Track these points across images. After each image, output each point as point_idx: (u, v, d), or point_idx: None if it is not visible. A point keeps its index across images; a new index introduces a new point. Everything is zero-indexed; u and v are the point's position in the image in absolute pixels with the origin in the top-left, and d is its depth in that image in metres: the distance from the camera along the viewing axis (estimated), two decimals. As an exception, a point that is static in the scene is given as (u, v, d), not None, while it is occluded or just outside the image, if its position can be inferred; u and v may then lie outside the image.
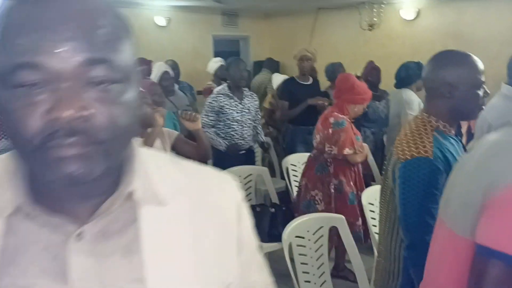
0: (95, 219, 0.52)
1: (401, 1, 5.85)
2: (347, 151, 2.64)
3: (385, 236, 1.59)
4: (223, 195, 0.64)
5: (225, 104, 3.28)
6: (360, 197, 2.58)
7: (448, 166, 1.34)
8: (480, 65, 1.39)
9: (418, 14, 5.77)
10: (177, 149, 2.25)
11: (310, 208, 2.78)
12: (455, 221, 0.95)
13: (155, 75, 3.89)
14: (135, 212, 0.55)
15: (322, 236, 2.19)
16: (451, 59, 1.42)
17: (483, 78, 1.39)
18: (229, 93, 3.32)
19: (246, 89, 3.47)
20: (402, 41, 5.86)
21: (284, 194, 3.59)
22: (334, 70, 4.17)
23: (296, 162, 3.43)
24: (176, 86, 4.27)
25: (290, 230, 2.02)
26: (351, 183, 2.70)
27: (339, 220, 2.20)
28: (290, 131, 3.96)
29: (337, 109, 2.72)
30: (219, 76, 4.99)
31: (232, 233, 0.62)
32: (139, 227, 0.54)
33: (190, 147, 2.24)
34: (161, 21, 6.44)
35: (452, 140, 1.44)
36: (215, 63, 5.13)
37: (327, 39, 6.85)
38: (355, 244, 2.18)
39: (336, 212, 2.62)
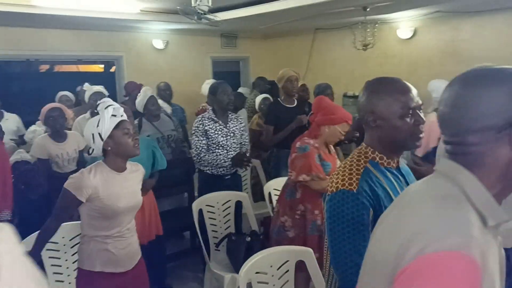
0: None
1: (397, 21, 5.76)
2: (303, 177, 2.47)
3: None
4: None
5: (209, 128, 3.22)
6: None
7: (378, 201, 1.24)
8: (409, 91, 1.28)
9: (415, 32, 5.67)
10: None
11: (280, 234, 2.62)
12: None
13: (141, 100, 3.85)
14: None
15: (287, 271, 2.07)
16: (375, 86, 1.32)
17: (413, 104, 1.27)
18: (214, 118, 3.25)
19: (231, 112, 3.40)
20: (399, 60, 5.75)
21: (268, 219, 3.47)
22: (320, 92, 4.07)
23: (279, 186, 3.31)
24: (163, 111, 4.23)
25: (249, 267, 1.91)
26: (317, 212, 2.51)
27: (306, 253, 2.08)
28: (274, 155, 3.86)
29: (309, 132, 2.60)
30: (212, 98, 4.95)
31: None
32: None
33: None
34: (159, 44, 6.47)
35: (389, 173, 1.32)
36: (208, 84, 5.10)
37: (325, 58, 6.79)
38: (324, 279, 2.05)
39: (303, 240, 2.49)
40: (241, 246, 2.77)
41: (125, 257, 1.99)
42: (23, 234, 2.00)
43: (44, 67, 8.74)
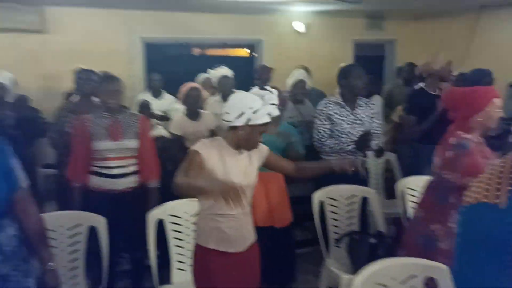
0: None
1: None
2: (468, 180, 2.02)
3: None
4: None
5: (334, 113, 2.99)
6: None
7: None
8: None
9: None
10: (271, 166, 2.12)
11: (428, 244, 2.21)
12: None
13: (290, 81, 3.81)
14: None
15: None
16: None
17: None
18: (341, 102, 3.02)
19: (361, 97, 3.11)
20: None
21: (399, 221, 3.09)
22: (478, 80, 3.41)
23: (415, 185, 2.90)
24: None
25: (368, 276, 1.65)
26: None
27: (439, 270, 1.73)
28: (414, 149, 3.41)
29: (459, 127, 2.16)
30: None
31: None
32: None
33: (286, 163, 2.15)
34: (300, 26, 6.36)
35: None
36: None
37: (490, 42, 5.79)
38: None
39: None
40: (363, 247, 2.51)
41: (238, 238, 1.95)
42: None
43: (197, 51, 9.48)
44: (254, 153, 2.02)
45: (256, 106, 1.84)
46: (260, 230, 2.15)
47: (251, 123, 1.83)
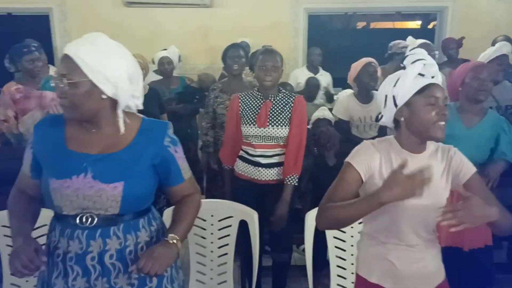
0: None
1: None
2: None
3: None
4: None
5: None
6: None
7: None
8: None
9: None
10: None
11: None
12: None
13: (487, 56, 2.93)
14: None
15: None
16: None
17: None
18: None
19: None
20: None
21: None
22: None
23: None
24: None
25: None
26: None
27: None
28: None
29: None
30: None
31: None
32: None
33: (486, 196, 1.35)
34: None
35: None
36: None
37: None
38: None
39: None
40: None
41: (413, 276, 1.40)
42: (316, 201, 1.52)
43: (360, 24, 8.77)
44: (452, 166, 1.40)
45: (394, 77, 1.38)
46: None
47: (398, 100, 1.34)
